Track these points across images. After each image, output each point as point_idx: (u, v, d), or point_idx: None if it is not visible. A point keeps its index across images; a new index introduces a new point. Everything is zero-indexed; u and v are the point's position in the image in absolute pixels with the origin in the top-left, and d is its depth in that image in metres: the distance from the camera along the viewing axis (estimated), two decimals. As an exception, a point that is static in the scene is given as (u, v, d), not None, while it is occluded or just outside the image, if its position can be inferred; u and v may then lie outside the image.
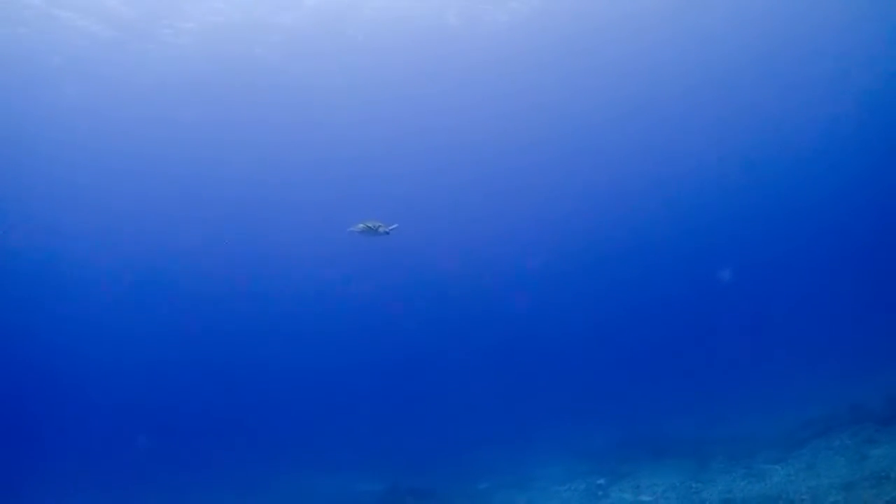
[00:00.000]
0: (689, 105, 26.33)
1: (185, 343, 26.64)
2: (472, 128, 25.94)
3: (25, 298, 25.23)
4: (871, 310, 20.78)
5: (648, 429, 15.79)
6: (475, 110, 25.18)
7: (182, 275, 27.47)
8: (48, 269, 26.00)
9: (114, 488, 15.86)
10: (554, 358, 24.12)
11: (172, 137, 24.23)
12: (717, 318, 24.80)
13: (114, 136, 23.57)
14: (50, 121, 22.36)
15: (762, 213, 28.22)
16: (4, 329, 24.13)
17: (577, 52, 22.93)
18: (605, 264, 29.12)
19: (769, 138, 27.34)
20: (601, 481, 13.09)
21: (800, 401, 14.80)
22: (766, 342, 20.92)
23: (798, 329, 21.19)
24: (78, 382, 22.81)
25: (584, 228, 29.35)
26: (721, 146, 27.57)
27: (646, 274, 27.52)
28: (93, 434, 19.69)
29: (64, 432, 19.23)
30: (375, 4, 19.50)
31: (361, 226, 9.12)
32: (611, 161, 28.05)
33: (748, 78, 25.03)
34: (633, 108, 26.18)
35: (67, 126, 22.76)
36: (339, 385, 23.31)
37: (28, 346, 24.07)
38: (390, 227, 9.20)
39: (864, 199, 27.61)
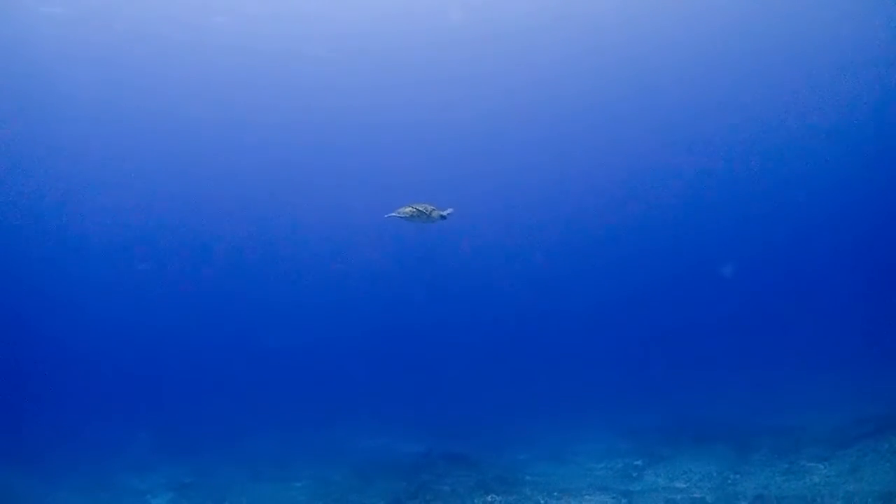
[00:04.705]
0: (700, 101, 25.58)
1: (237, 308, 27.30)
2: (475, 123, 25.89)
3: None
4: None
5: (694, 412, 15.49)
6: (477, 105, 25.15)
7: (224, 241, 28.11)
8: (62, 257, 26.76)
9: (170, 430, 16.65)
10: (602, 334, 23.84)
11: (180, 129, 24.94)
12: (773, 302, 23.98)
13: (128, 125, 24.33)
14: (58, 110, 23.24)
15: (824, 201, 27.03)
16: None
17: (581, 47, 22.67)
18: (660, 245, 28.43)
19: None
20: (638, 462, 12.96)
21: (856, 396, 14.17)
22: (826, 330, 20.07)
23: (862, 319, 20.26)
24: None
25: (633, 204, 28.68)
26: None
27: (701, 252, 26.69)
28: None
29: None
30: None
31: (409, 209, 8.17)
32: (624, 152, 27.43)
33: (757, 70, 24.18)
34: (642, 102, 25.58)
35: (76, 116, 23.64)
36: (384, 348, 23.71)
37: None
38: (446, 212, 8.26)
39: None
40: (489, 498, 11.14)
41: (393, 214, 8.31)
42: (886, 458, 10.21)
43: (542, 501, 10.94)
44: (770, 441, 12.53)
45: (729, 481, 11.03)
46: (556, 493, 11.26)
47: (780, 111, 26.43)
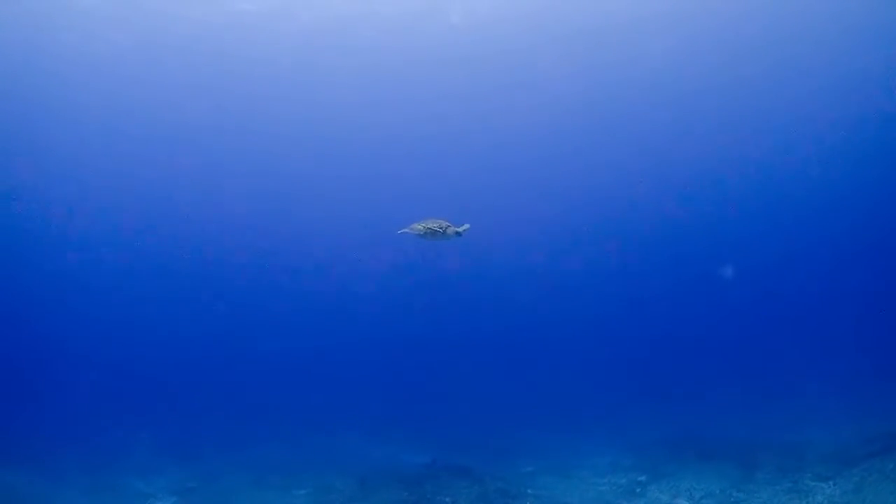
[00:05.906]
0: (703, 102, 25.55)
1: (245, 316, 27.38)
2: (474, 125, 25.98)
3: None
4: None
5: (699, 429, 15.41)
6: (478, 108, 25.26)
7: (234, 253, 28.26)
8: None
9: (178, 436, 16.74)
10: (607, 348, 23.77)
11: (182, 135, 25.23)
12: (780, 318, 23.84)
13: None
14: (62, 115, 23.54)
15: (835, 218, 26.88)
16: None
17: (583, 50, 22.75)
18: (665, 257, 28.32)
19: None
20: (642, 478, 12.91)
21: (863, 414, 14.08)
22: (833, 347, 19.94)
23: (870, 336, 20.12)
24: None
25: (635, 220, 28.59)
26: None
27: (706, 270, 26.55)
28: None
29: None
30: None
31: (421, 227, 7.88)
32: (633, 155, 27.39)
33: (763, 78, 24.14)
34: (642, 107, 25.53)
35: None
36: (390, 357, 23.71)
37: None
38: (462, 228, 7.97)
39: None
40: (491, 510, 11.15)
41: (406, 230, 8.04)
42: (891, 478, 10.13)
43: (543, 515, 10.94)
44: (774, 459, 12.47)
45: (732, 499, 10.99)
46: (558, 507, 11.26)
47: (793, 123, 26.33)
